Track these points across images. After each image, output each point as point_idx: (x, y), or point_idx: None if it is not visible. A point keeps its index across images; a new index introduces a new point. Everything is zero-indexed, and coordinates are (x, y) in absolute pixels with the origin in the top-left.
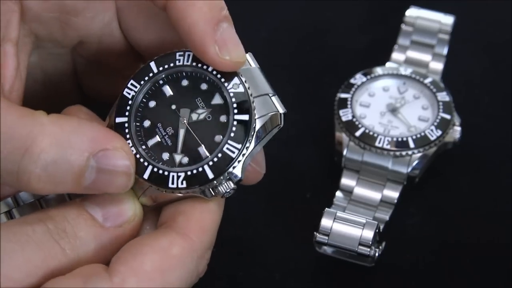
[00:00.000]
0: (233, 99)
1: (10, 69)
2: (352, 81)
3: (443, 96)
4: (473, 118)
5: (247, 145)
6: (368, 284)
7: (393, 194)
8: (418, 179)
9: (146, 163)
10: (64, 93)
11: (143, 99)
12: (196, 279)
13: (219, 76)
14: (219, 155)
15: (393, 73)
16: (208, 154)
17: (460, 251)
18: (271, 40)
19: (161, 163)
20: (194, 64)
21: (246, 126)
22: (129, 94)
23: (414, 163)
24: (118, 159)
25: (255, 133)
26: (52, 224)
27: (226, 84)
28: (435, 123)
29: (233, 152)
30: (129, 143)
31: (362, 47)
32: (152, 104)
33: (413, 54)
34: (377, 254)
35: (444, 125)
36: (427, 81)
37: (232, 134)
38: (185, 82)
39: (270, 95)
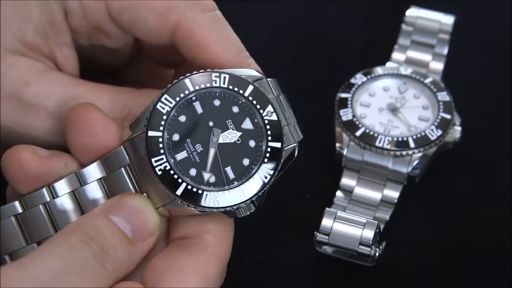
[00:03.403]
0: (268, 126)
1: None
2: (352, 81)
3: (443, 96)
4: (473, 118)
5: (277, 172)
6: (368, 284)
7: (393, 194)
8: (418, 178)
9: (179, 179)
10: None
11: (174, 113)
12: None
13: (254, 102)
14: (252, 179)
15: (393, 73)
16: (234, 176)
17: (460, 251)
18: (272, 40)
19: (189, 178)
20: (230, 87)
21: (278, 153)
22: (164, 109)
23: (415, 163)
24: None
25: (283, 161)
26: (96, 247)
27: (261, 111)
28: (436, 123)
29: (266, 178)
30: (162, 158)
31: (362, 47)
32: (182, 119)
33: (413, 54)
34: (377, 254)
35: (444, 125)
36: (428, 81)
37: (266, 160)
38: (217, 102)
39: (294, 123)
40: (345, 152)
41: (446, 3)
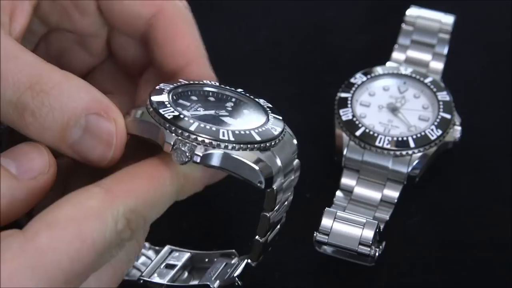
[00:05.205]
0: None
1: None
2: (352, 80)
3: (444, 96)
4: (473, 118)
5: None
6: (368, 284)
7: (393, 193)
8: (418, 178)
9: (164, 92)
10: None
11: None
12: (116, 238)
13: (252, 97)
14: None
15: (393, 73)
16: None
17: (460, 251)
18: (272, 40)
19: (169, 104)
20: (222, 85)
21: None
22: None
23: (415, 163)
24: (107, 127)
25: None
26: None
27: (260, 101)
28: (436, 123)
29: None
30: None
31: (362, 47)
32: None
33: (413, 53)
34: (377, 254)
35: (444, 124)
36: (428, 80)
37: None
38: (211, 99)
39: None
40: (345, 151)
41: (446, 3)
